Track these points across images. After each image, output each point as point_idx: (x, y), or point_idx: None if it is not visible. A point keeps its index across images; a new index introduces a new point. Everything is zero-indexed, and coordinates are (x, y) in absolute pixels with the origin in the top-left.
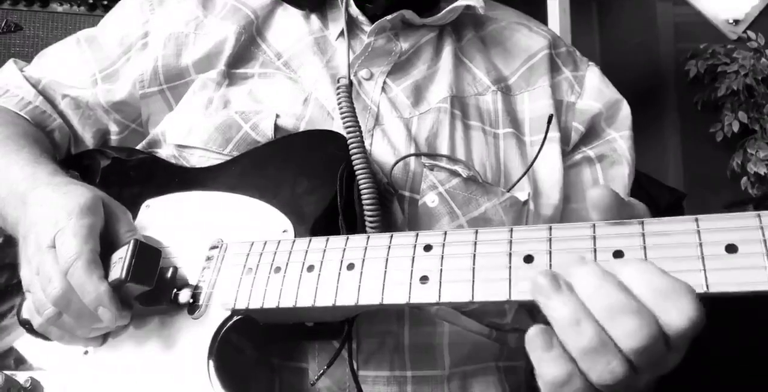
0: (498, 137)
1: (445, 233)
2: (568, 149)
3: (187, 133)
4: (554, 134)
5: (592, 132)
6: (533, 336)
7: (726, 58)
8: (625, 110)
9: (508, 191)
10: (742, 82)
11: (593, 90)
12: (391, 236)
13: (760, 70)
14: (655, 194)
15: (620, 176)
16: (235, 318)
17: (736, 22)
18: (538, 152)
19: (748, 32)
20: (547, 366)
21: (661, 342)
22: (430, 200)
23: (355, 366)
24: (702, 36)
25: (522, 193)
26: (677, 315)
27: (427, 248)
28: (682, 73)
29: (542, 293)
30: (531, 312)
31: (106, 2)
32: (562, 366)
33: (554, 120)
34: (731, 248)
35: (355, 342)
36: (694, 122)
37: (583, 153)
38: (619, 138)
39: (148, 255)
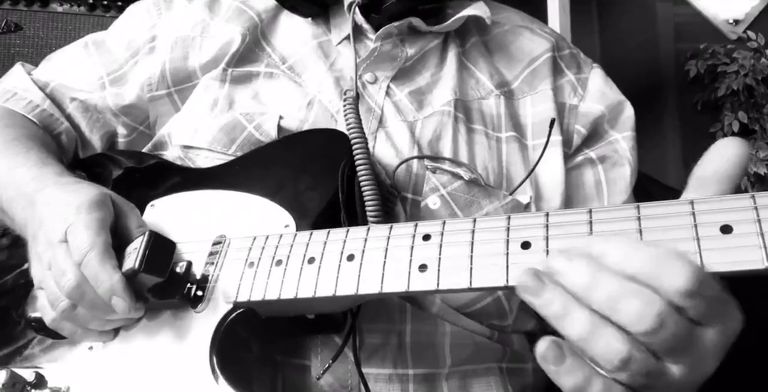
0: (501, 141)
1: (444, 223)
2: (569, 152)
3: (192, 134)
4: (556, 137)
5: (594, 134)
6: (544, 351)
7: (726, 58)
8: (628, 111)
9: (510, 195)
10: (742, 82)
11: (596, 92)
12: (391, 227)
13: (760, 70)
14: (655, 194)
15: (622, 177)
16: (237, 312)
17: (736, 22)
18: (540, 156)
19: (748, 32)
20: (566, 377)
21: (671, 313)
22: (432, 202)
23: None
24: (702, 36)
25: (524, 196)
26: (672, 277)
27: (426, 237)
28: (682, 73)
29: (529, 292)
30: (536, 314)
31: (106, 2)
32: (578, 371)
33: (556, 123)
34: (726, 229)
35: (358, 339)
36: (694, 122)
37: (584, 155)
38: (621, 139)
39: (163, 247)
